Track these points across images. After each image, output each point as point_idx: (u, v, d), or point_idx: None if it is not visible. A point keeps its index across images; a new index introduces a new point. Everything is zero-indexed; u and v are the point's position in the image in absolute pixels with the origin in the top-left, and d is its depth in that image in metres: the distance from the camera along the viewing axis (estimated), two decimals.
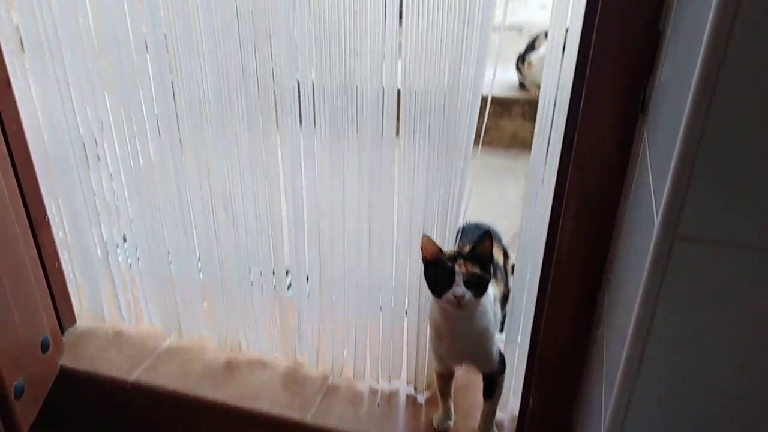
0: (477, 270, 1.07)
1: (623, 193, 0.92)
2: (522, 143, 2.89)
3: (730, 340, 0.57)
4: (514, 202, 2.42)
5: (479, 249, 1.08)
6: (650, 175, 0.68)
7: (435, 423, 1.29)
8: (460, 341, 1.17)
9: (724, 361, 0.58)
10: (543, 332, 1.09)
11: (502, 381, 1.24)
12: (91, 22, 1.21)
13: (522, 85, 3.01)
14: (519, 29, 3.87)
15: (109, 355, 1.46)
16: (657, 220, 0.56)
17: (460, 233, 1.21)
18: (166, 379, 1.39)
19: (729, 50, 0.48)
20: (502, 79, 3.10)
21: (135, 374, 1.40)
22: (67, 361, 1.43)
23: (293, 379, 1.41)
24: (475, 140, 1.13)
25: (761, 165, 0.50)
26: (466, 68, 1.03)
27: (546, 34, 3.06)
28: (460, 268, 1.05)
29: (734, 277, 0.54)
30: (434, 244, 1.08)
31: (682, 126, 0.51)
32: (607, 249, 0.98)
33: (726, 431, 0.61)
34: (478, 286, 1.07)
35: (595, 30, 0.84)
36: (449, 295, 1.05)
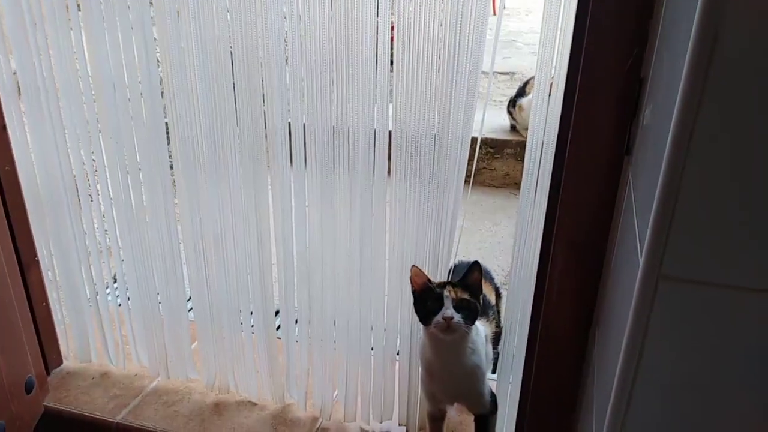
0: (466, 296, 1.07)
1: (611, 233, 0.93)
2: (514, 183, 2.92)
3: (720, 378, 0.57)
4: (507, 241, 2.43)
5: (468, 278, 1.10)
6: (635, 215, 0.70)
7: None
8: (451, 379, 1.16)
9: (714, 401, 0.58)
10: (535, 372, 1.09)
11: (495, 422, 1.22)
12: (88, 68, 1.23)
13: (513, 128, 3.07)
14: (511, 74, 3.97)
15: (94, 395, 1.43)
16: (641, 259, 0.57)
17: (452, 271, 1.21)
18: (153, 420, 1.36)
19: (707, 87, 0.49)
20: (494, 122, 3.15)
21: (120, 415, 1.37)
22: (51, 401, 1.41)
23: (282, 421, 1.39)
24: (466, 180, 1.14)
25: (741, 204, 0.51)
26: (456, 112, 1.05)
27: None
28: (449, 293, 1.07)
29: (720, 315, 0.55)
30: (423, 274, 1.09)
31: (663, 167, 0.53)
32: (597, 288, 0.98)
33: None
34: (467, 311, 1.07)
35: (579, 76, 0.86)
36: (438, 317, 1.05)
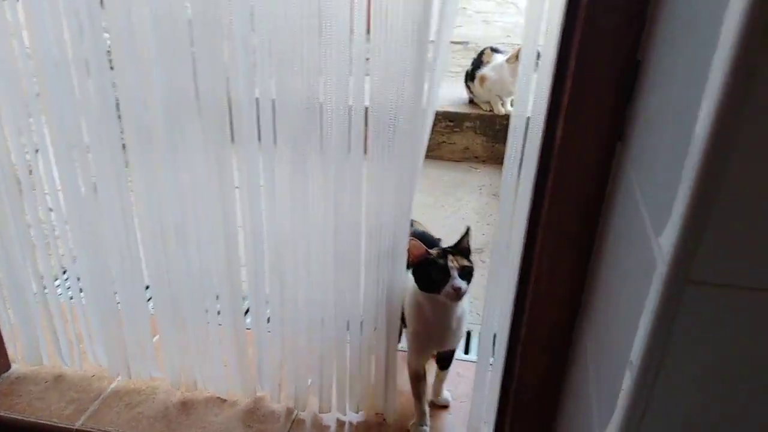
0: (466, 262, 1.15)
1: (601, 220, 0.91)
2: (473, 157, 2.90)
3: (744, 379, 0.55)
4: (471, 216, 2.42)
5: (463, 243, 1.18)
6: (643, 209, 0.66)
7: (411, 430, 1.28)
8: (448, 329, 1.22)
9: (737, 399, 0.56)
10: (520, 357, 1.07)
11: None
12: (25, 41, 1.10)
13: (471, 101, 3.03)
14: (464, 44, 3.92)
15: (49, 401, 1.33)
16: (664, 261, 0.54)
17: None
18: (116, 424, 1.28)
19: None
20: (452, 95, 3.11)
21: (80, 421, 1.28)
22: (2, 410, 1.30)
23: (254, 416, 1.33)
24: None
25: None
26: (411, 84, 0.99)
27: (492, 49, 3.11)
28: (453, 263, 1.12)
29: (748, 321, 0.52)
30: (420, 245, 1.13)
31: (696, 168, 0.49)
32: (585, 275, 0.96)
33: None
34: (469, 276, 1.15)
35: (573, 56, 0.82)
36: (448, 288, 1.11)
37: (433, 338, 1.25)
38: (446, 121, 2.93)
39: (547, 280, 0.98)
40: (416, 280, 1.16)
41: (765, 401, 0.56)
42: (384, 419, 1.32)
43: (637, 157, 0.75)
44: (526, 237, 0.99)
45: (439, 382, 1.37)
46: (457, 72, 3.33)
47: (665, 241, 0.55)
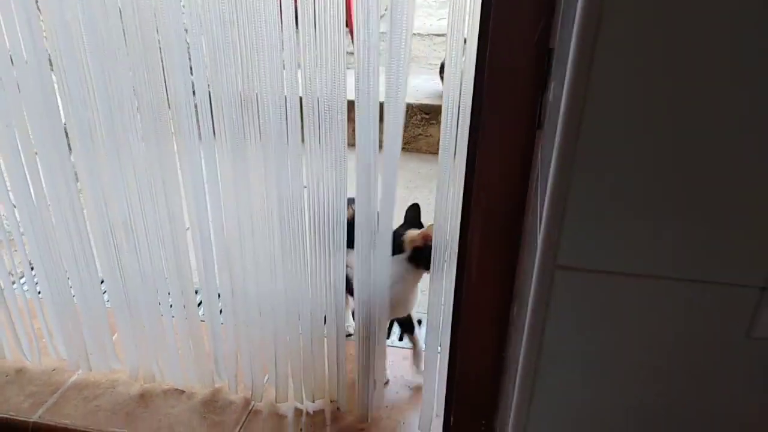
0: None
1: (526, 208, 0.92)
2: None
3: (615, 360, 0.57)
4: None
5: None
6: (538, 196, 0.68)
7: None
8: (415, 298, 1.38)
9: (611, 382, 0.58)
10: (460, 348, 1.08)
11: None
12: None
13: None
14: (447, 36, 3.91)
15: (8, 395, 1.35)
16: (539, 247, 0.55)
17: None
18: (72, 417, 1.29)
19: (592, 77, 0.47)
20: (429, 88, 3.11)
21: (37, 414, 1.30)
22: None
23: (212, 407, 1.35)
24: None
25: (633, 193, 0.50)
26: (367, 76, 1.00)
27: (465, 41, 3.11)
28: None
29: (614, 301, 0.54)
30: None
31: (554, 153, 0.50)
32: (515, 263, 0.97)
33: None
34: None
35: (488, 45, 0.83)
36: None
37: (411, 299, 1.37)
38: (422, 114, 2.94)
39: (478, 269, 0.99)
40: (422, 260, 1.26)
41: (632, 380, 0.57)
42: (338, 407, 1.33)
43: (545, 145, 0.76)
44: (462, 224, 1.00)
45: (416, 348, 1.44)
46: (436, 65, 3.33)
47: (541, 227, 0.56)
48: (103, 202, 1.20)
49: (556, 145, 0.49)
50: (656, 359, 0.54)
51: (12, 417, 1.29)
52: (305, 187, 1.11)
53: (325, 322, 1.24)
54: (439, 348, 1.22)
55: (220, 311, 1.30)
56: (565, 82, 0.47)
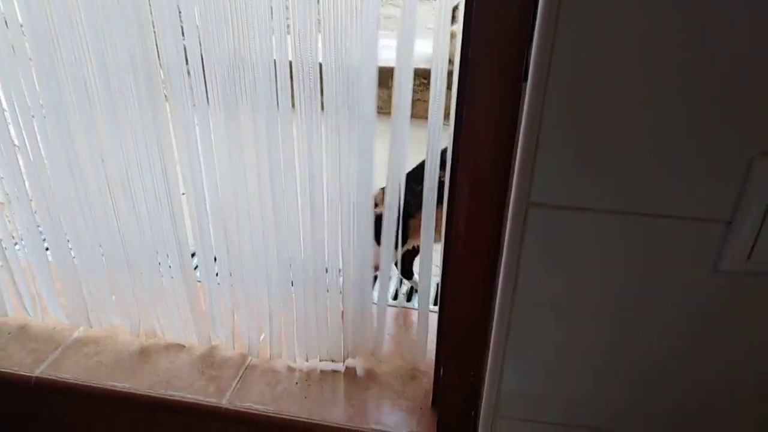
0: None
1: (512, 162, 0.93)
2: (447, 114, 2.90)
3: (585, 297, 0.59)
4: None
5: None
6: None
7: None
8: None
9: (583, 319, 0.60)
10: (449, 301, 1.10)
11: None
12: None
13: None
14: None
15: (11, 351, 1.39)
16: (513, 185, 0.57)
17: None
18: (74, 372, 1.33)
19: (559, 22, 0.48)
20: (425, 52, 3.08)
21: (39, 369, 1.34)
22: None
23: (209, 362, 1.39)
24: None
25: (601, 132, 0.51)
26: (357, 39, 1.01)
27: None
28: None
29: (585, 238, 0.56)
30: None
31: (526, 96, 0.52)
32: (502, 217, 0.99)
33: (589, 379, 0.64)
34: None
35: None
36: None
37: None
38: (420, 79, 2.92)
39: (466, 224, 1.00)
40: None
41: (602, 318, 0.59)
42: (332, 359, 1.37)
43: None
44: (450, 181, 1.02)
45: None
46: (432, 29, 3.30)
47: (515, 167, 0.58)
48: (101, 161, 1.21)
49: (528, 86, 0.51)
50: (625, 296, 0.56)
51: (15, 372, 1.33)
52: None
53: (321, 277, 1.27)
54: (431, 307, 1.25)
55: (216, 274, 1.32)
56: (534, 30, 0.49)
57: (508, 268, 0.59)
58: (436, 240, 1.21)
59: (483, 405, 0.69)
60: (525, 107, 0.51)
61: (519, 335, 0.63)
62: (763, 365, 0.60)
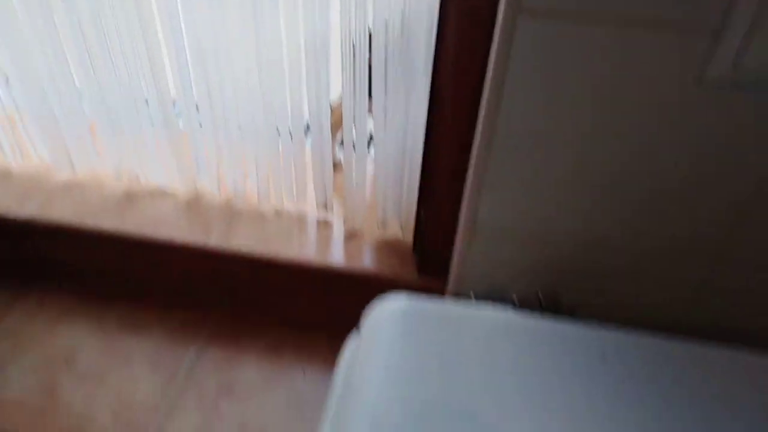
0: None
1: None
2: None
3: (569, 117, 0.59)
4: None
5: None
6: None
7: None
8: None
9: (564, 143, 0.60)
10: (434, 132, 1.10)
11: None
12: None
13: None
14: None
15: None
16: None
17: None
18: (62, 214, 1.35)
19: None
20: None
21: (27, 210, 1.35)
22: None
23: (195, 206, 1.41)
24: None
25: None
26: None
27: None
28: None
29: (572, 51, 0.54)
30: None
31: None
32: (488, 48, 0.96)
33: (569, 204, 0.66)
34: None
35: None
36: None
37: None
38: None
39: (455, 55, 0.97)
40: None
41: (588, 141, 0.60)
42: (317, 205, 1.40)
43: None
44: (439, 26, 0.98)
45: None
46: None
47: None
48: (75, 11, 1.15)
49: None
50: (609, 117, 0.56)
51: (2, 215, 1.34)
52: None
53: (308, 128, 1.25)
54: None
55: (200, 125, 1.31)
56: None
57: (495, 81, 0.59)
58: None
59: (458, 233, 0.72)
60: None
61: (498, 161, 0.63)
62: (738, 183, 0.61)
